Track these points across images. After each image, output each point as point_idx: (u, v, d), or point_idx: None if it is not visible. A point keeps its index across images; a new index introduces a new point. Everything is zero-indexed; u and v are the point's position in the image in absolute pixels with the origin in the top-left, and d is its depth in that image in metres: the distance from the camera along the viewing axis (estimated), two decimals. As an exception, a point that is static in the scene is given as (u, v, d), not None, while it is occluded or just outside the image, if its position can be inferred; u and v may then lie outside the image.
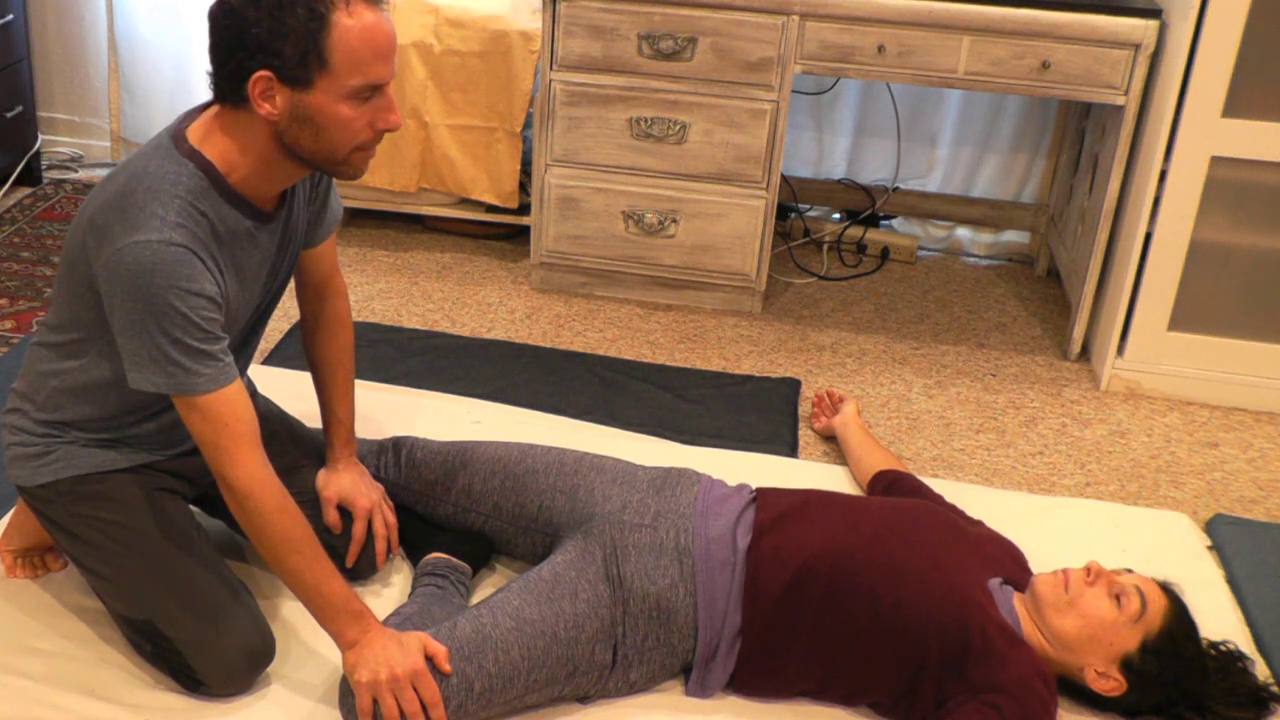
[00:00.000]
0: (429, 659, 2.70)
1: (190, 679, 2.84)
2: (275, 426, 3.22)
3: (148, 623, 2.84)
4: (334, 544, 3.14)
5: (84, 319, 2.73)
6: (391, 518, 3.24)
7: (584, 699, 2.91)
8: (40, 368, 2.85)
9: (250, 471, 2.65)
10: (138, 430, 2.90)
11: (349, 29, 2.53)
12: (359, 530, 3.18)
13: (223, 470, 2.64)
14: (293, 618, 3.09)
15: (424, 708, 2.67)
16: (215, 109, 2.69)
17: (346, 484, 3.19)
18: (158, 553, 2.83)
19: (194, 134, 2.68)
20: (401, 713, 2.66)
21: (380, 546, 3.21)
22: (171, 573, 2.81)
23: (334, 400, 3.22)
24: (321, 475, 3.21)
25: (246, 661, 2.83)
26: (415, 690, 2.66)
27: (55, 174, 5.89)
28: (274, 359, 4.30)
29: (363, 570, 3.21)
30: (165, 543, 2.82)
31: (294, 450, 3.22)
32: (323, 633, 2.93)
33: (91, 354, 2.76)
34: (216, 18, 2.59)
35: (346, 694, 2.70)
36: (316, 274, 3.16)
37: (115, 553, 2.86)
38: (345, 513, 3.18)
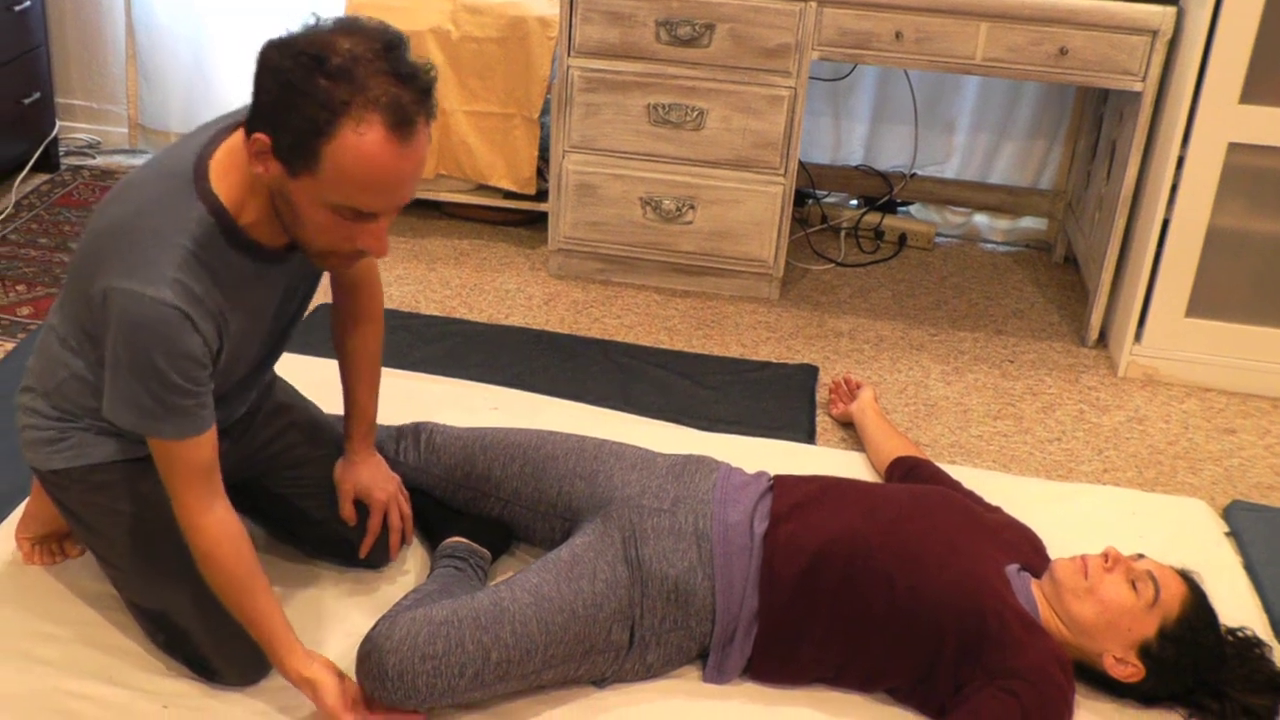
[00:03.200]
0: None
1: (205, 668, 2.86)
2: (296, 417, 3.21)
3: (162, 614, 2.86)
4: (349, 536, 3.16)
5: (87, 324, 2.68)
6: (407, 509, 3.24)
7: (600, 682, 2.92)
8: (51, 353, 2.81)
9: (189, 517, 2.65)
10: None
11: (349, 148, 2.36)
12: (375, 524, 3.18)
13: (172, 501, 2.66)
14: (305, 604, 3.11)
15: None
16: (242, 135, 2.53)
17: (364, 477, 3.18)
18: (171, 546, 2.79)
19: (216, 166, 2.57)
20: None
21: (395, 539, 3.22)
22: (185, 566, 2.78)
23: (359, 392, 3.19)
24: (340, 467, 3.20)
25: (260, 653, 2.83)
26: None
27: (73, 160, 5.90)
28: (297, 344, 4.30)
29: (376, 560, 3.22)
30: (179, 535, 2.78)
31: (309, 443, 3.21)
32: (338, 614, 2.96)
33: (93, 358, 2.70)
34: (259, 54, 2.42)
35: (364, 660, 2.71)
36: (347, 274, 3.09)
37: (128, 544, 2.86)
38: (362, 505, 3.18)
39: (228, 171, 2.57)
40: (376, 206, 2.46)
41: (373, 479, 3.18)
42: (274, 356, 3.03)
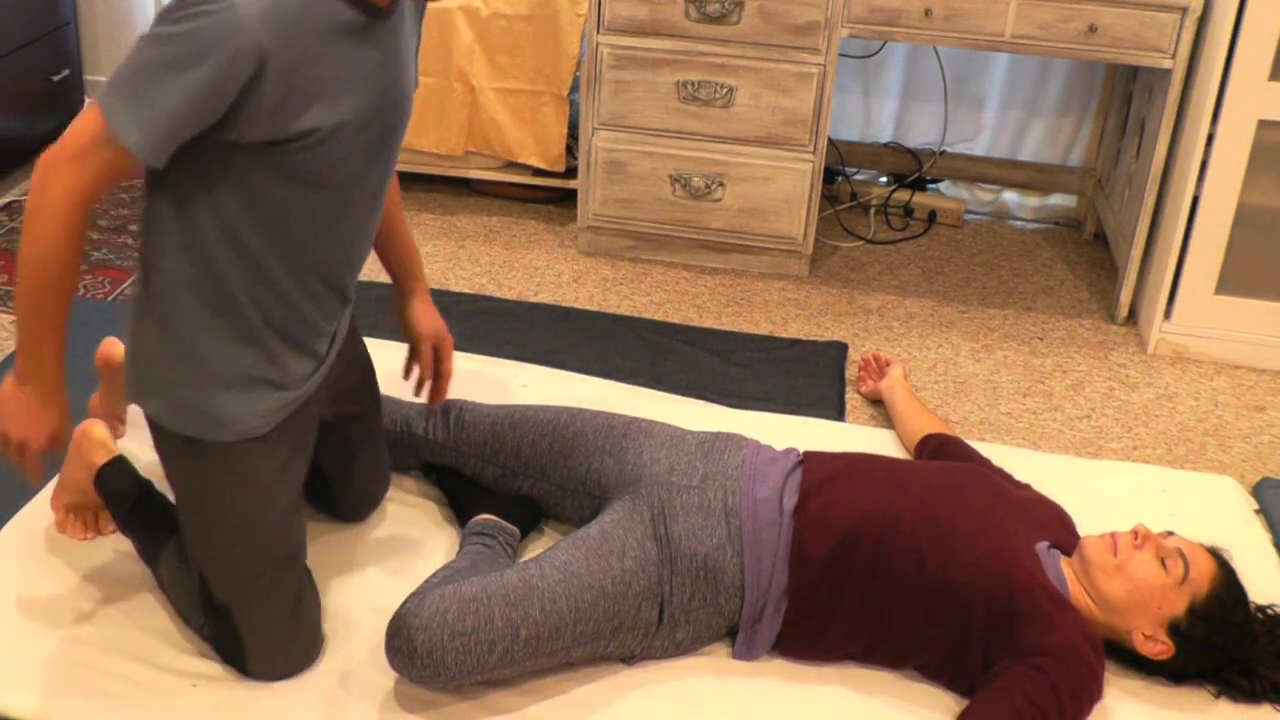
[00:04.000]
0: None
1: (238, 663, 2.85)
2: (361, 362, 3.19)
3: (225, 608, 2.81)
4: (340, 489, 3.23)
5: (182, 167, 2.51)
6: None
7: (629, 659, 2.93)
8: (157, 241, 2.63)
9: (50, 177, 2.42)
10: (274, 307, 2.69)
11: None
12: (449, 366, 3.25)
13: (41, 163, 2.43)
14: (334, 580, 3.13)
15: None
16: None
17: (439, 325, 3.24)
18: (262, 546, 2.78)
19: None
20: None
21: (446, 385, 3.27)
22: (267, 570, 2.78)
23: (399, 232, 3.15)
24: (412, 310, 3.22)
25: (300, 665, 2.85)
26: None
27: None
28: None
29: (358, 514, 3.31)
30: (273, 537, 2.78)
31: (367, 392, 3.22)
32: (366, 592, 3.00)
33: (199, 199, 2.54)
34: None
35: (393, 637, 2.71)
36: None
37: (219, 527, 2.79)
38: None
39: None
40: None
41: (442, 324, 3.25)
42: (377, 207, 2.81)
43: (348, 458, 3.19)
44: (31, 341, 2.55)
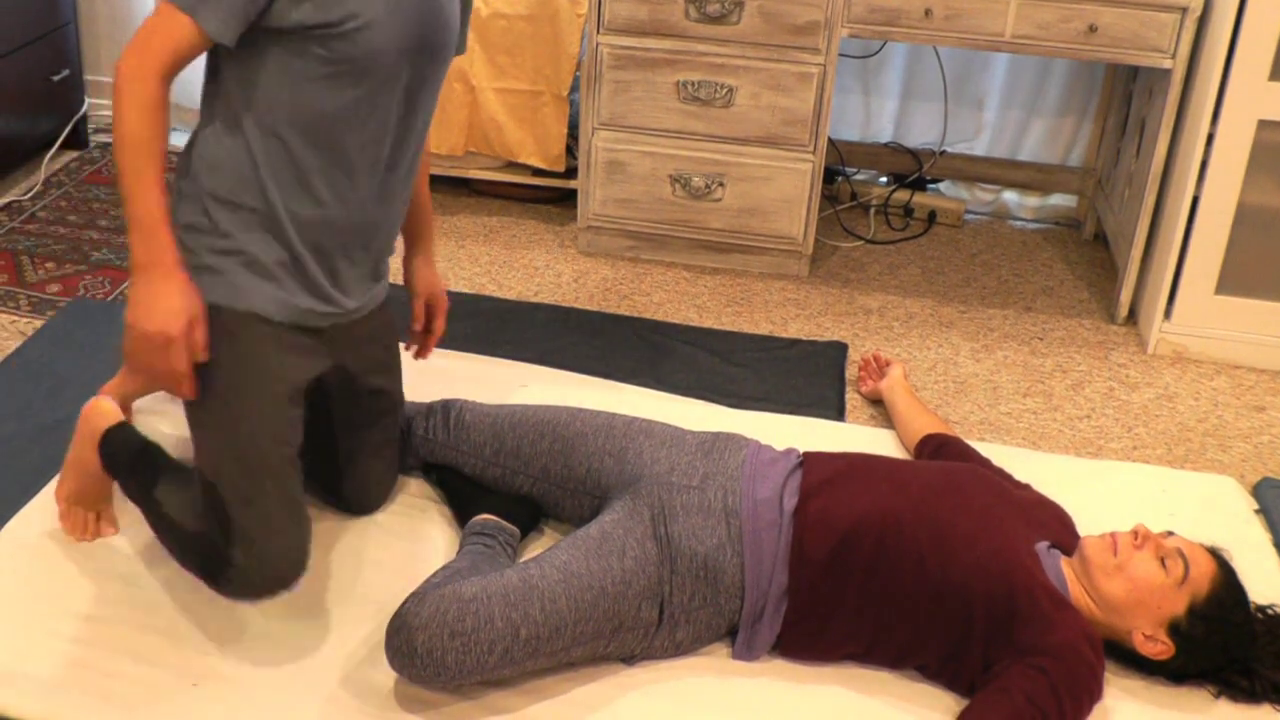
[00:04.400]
0: None
1: (220, 564, 2.82)
2: (390, 363, 3.31)
3: (219, 493, 2.82)
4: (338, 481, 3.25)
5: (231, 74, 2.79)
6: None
7: (629, 659, 2.93)
8: (204, 143, 2.88)
9: (135, 71, 2.66)
10: (304, 208, 2.87)
11: None
12: (441, 325, 3.45)
13: (122, 54, 2.68)
14: (334, 580, 3.13)
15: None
16: None
17: (436, 282, 3.42)
18: (261, 428, 2.84)
19: None
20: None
21: (433, 341, 3.49)
22: (265, 454, 2.82)
23: (419, 199, 3.35)
24: (412, 267, 3.41)
25: (285, 570, 2.83)
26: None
27: (102, 138, 5.91)
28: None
29: (363, 498, 3.33)
30: (271, 422, 2.83)
31: (390, 373, 3.30)
32: (367, 591, 3.01)
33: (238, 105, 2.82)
34: None
35: (393, 636, 2.71)
36: None
37: (222, 398, 2.86)
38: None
39: None
40: None
41: (439, 282, 3.44)
42: (406, 154, 3.00)
43: (364, 429, 3.24)
44: (143, 212, 2.68)
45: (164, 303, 2.68)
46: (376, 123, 2.83)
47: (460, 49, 3.09)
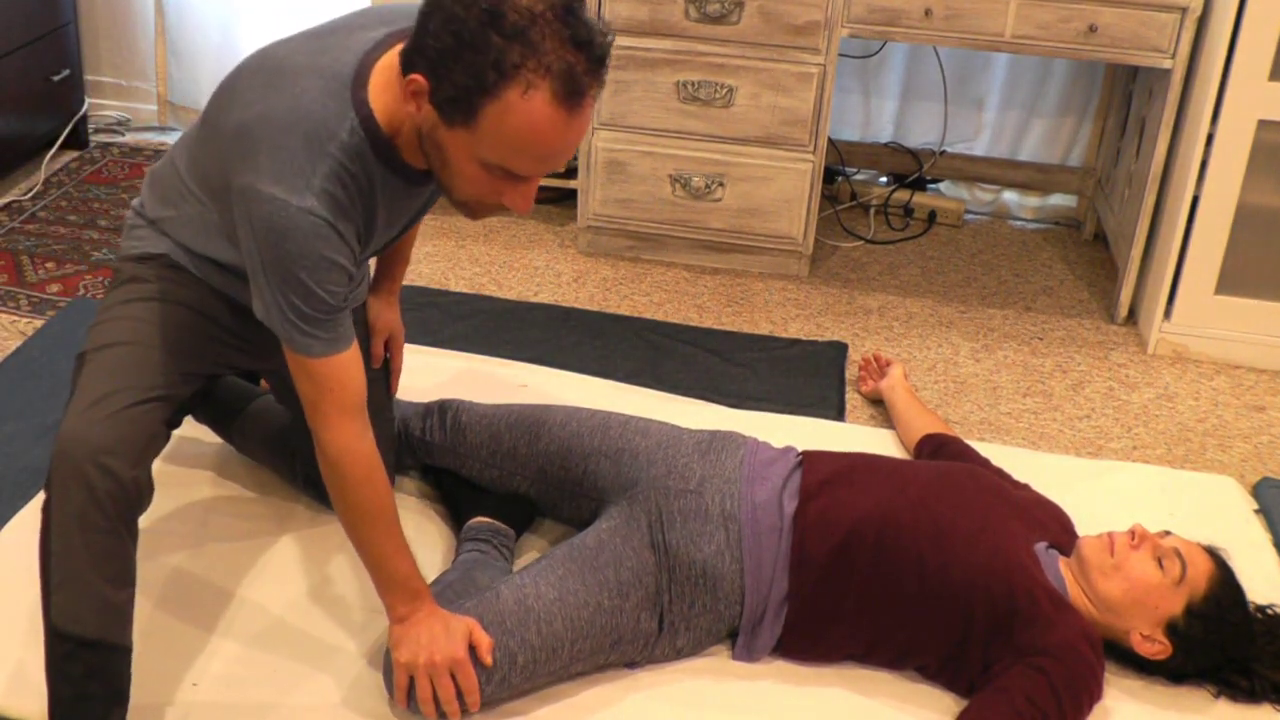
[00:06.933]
0: (473, 648, 2.67)
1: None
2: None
3: (83, 356, 2.72)
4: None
5: (214, 182, 2.66)
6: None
7: (631, 665, 2.93)
8: (170, 187, 2.86)
9: (345, 441, 2.59)
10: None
11: (513, 111, 2.24)
12: (400, 361, 3.39)
13: (318, 431, 2.59)
14: (328, 600, 3.13)
15: (460, 694, 2.67)
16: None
17: (396, 322, 3.36)
18: (161, 337, 2.75)
19: (378, 77, 2.48)
20: (437, 698, 2.66)
21: (396, 380, 3.41)
22: (143, 354, 2.72)
23: (402, 244, 3.33)
24: (375, 307, 3.31)
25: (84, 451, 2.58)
26: (453, 677, 2.65)
27: (102, 138, 5.91)
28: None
29: None
30: (178, 337, 2.78)
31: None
32: (365, 608, 3.02)
33: (215, 212, 2.73)
34: None
35: (389, 672, 2.71)
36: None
37: (116, 304, 2.80)
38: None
39: (389, 84, 2.47)
40: (531, 171, 2.37)
41: (399, 322, 3.38)
42: (396, 239, 2.99)
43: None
44: (397, 568, 2.69)
45: (431, 635, 2.66)
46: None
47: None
